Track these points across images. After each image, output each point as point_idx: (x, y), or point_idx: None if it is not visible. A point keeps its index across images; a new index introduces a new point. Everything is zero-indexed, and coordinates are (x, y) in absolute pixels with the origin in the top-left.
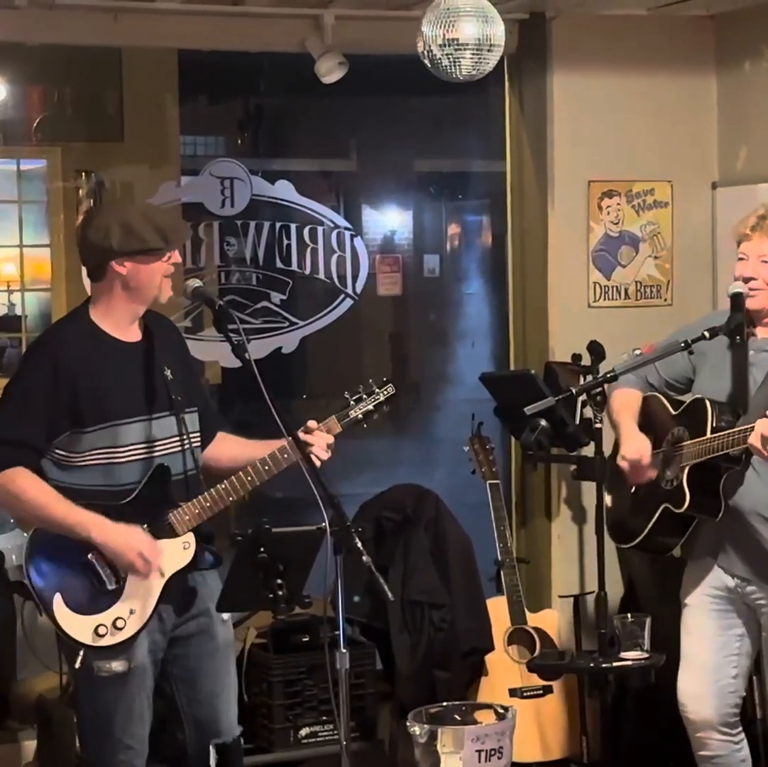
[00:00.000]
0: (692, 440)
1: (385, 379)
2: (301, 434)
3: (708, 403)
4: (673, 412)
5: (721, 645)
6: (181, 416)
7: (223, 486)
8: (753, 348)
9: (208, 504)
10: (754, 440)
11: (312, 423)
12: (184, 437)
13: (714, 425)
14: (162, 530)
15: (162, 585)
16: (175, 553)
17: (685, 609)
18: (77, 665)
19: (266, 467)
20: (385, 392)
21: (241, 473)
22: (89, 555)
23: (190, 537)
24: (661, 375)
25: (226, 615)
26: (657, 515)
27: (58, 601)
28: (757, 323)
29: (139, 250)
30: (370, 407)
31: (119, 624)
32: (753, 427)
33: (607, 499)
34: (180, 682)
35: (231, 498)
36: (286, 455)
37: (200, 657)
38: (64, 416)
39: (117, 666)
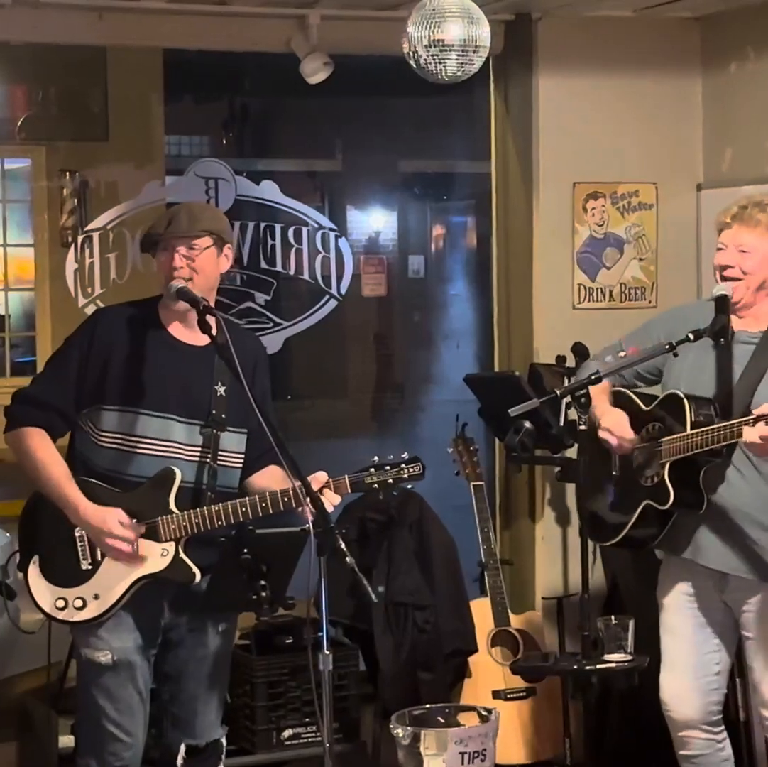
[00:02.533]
0: (672, 436)
1: (417, 457)
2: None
3: (684, 398)
4: (645, 407)
5: (701, 642)
6: (215, 432)
7: (216, 509)
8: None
9: (196, 521)
10: (750, 438)
11: (322, 476)
12: (209, 451)
13: (693, 420)
14: (148, 531)
15: (131, 581)
16: (152, 557)
17: (662, 609)
18: (36, 631)
19: (263, 505)
20: (411, 470)
21: (238, 502)
22: (77, 530)
23: (171, 546)
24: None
25: (222, 625)
26: (637, 512)
27: (34, 563)
28: (734, 314)
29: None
30: (389, 479)
31: (77, 604)
32: (740, 422)
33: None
34: (166, 679)
35: (219, 523)
36: (285, 499)
37: (189, 662)
38: (92, 387)
39: (100, 656)
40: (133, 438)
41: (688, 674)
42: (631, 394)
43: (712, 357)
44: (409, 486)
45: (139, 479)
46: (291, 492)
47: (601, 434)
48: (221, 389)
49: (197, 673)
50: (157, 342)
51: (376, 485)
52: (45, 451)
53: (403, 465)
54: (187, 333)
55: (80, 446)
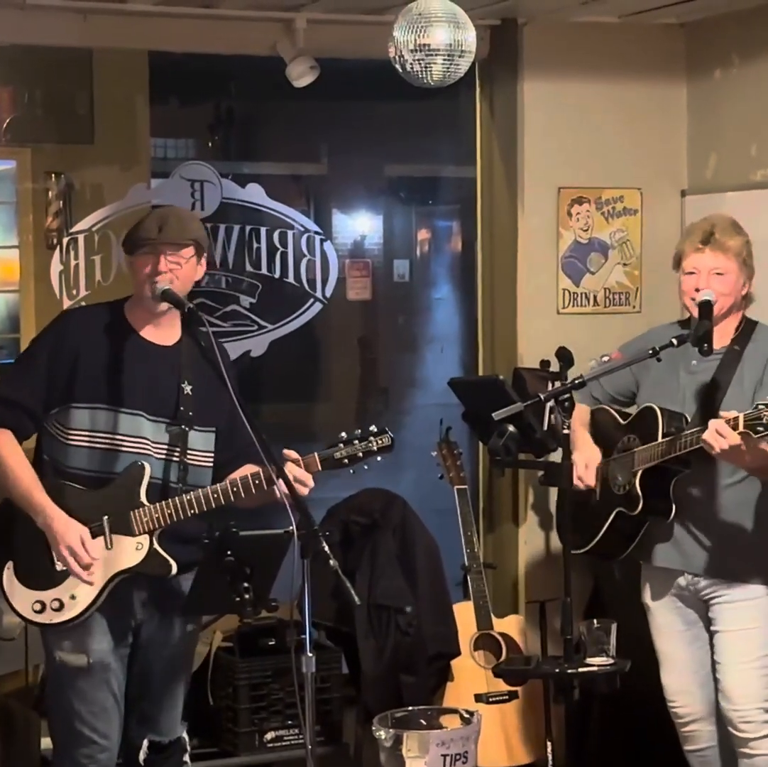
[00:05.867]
0: (644, 446)
1: (385, 428)
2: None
3: (658, 410)
4: (622, 422)
5: (692, 639)
6: (185, 430)
7: (188, 498)
8: (695, 358)
9: (168, 512)
10: (707, 436)
11: (290, 454)
12: (178, 448)
13: (665, 431)
14: (120, 526)
15: (106, 578)
16: (127, 552)
17: (649, 611)
18: (15, 636)
19: (234, 489)
20: (380, 442)
21: (209, 489)
22: None
23: (145, 539)
24: (606, 390)
25: (190, 626)
26: (610, 520)
27: (8, 568)
28: None
29: (124, 243)
30: (359, 453)
31: (54, 605)
32: (702, 429)
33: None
34: (133, 677)
35: (193, 511)
36: (257, 482)
37: (157, 660)
38: (60, 386)
39: (75, 659)
40: (104, 435)
41: (686, 670)
42: (610, 409)
43: (679, 375)
44: (379, 459)
45: (110, 475)
46: (262, 475)
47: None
48: (187, 388)
49: (164, 672)
50: (124, 341)
51: (346, 460)
52: (13, 456)
53: (371, 438)
54: (154, 333)
55: (48, 448)
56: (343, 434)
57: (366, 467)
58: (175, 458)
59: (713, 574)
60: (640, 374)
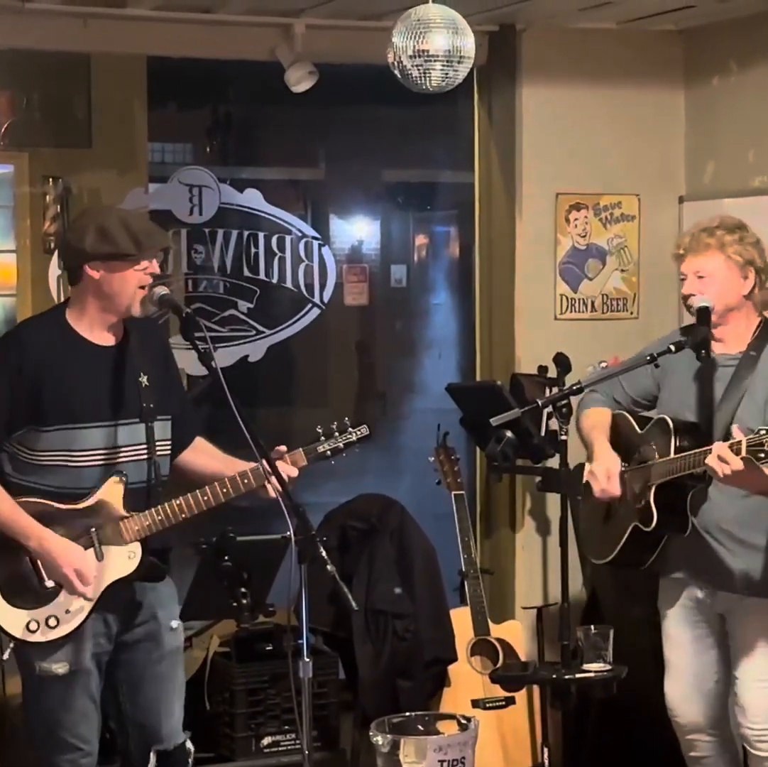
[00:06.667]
0: (658, 460)
1: (361, 421)
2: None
3: (671, 423)
4: (640, 431)
5: (699, 652)
6: (150, 425)
7: (178, 502)
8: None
9: (159, 518)
10: (710, 461)
11: (282, 448)
12: (151, 446)
13: (677, 445)
14: (110, 536)
15: (101, 589)
16: (120, 561)
17: (664, 619)
18: (5, 657)
19: (224, 490)
20: (358, 433)
21: (198, 492)
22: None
23: (137, 547)
24: (627, 393)
25: (174, 623)
26: (627, 533)
27: None
28: (712, 339)
29: (110, 254)
30: (340, 445)
31: (51, 622)
32: (707, 450)
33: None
34: (125, 686)
35: (184, 515)
36: (246, 481)
37: (146, 664)
38: (24, 410)
39: (58, 667)
40: (78, 453)
41: (689, 681)
42: (628, 417)
43: (697, 381)
44: (357, 449)
45: (85, 490)
46: (250, 473)
47: (588, 476)
48: (144, 379)
49: (156, 674)
50: (80, 353)
51: (328, 452)
52: None
53: (350, 429)
54: (103, 336)
55: (13, 469)
56: (319, 428)
57: (344, 455)
58: (148, 456)
59: (728, 588)
60: (661, 377)
